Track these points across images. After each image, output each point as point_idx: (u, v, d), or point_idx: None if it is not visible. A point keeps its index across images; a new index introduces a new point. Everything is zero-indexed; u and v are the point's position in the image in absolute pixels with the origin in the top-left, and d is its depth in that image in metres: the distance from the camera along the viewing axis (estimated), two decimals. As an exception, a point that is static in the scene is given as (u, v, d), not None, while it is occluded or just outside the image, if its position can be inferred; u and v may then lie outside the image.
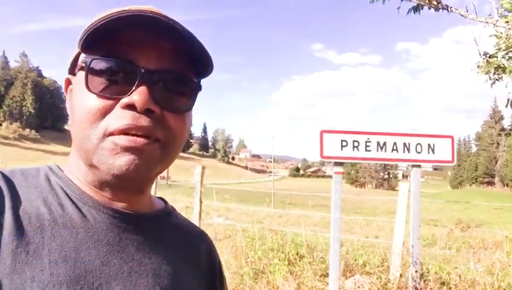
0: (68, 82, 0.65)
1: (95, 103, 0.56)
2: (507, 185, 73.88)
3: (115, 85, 0.56)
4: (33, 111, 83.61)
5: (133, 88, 0.55)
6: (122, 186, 0.60)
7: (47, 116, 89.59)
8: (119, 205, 0.62)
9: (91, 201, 0.60)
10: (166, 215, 0.73)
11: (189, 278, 0.68)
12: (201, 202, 5.83)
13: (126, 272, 0.58)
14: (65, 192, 0.60)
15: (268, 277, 4.69)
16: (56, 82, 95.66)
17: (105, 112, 0.56)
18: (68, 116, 0.64)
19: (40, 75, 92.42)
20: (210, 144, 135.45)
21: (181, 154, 0.69)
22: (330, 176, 3.86)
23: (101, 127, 0.55)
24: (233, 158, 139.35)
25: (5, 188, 0.56)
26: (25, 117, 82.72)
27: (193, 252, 0.74)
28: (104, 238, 0.58)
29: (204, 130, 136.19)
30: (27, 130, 79.84)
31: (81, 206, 0.59)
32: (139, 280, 0.59)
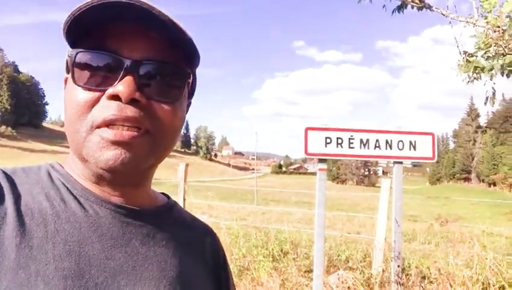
0: (66, 81, 0.64)
1: (82, 95, 0.56)
2: (483, 181, 75.92)
3: (101, 77, 0.56)
4: (9, 107, 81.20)
5: (118, 79, 0.55)
6: (116, 180, 0.60)
7: (24, 113, 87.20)
8: (119, 200, 0.62)
9: (92, 196, 0.60)
10: (169, 210, 0.73)
11: (194, 271, 0.68)
12: (184, 200, 5.79)
13: (131, 266, 0.58)
14: (67, 187, 0.60)
15: (252, 273, 4.71)
16: (33, 78, 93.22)
17: (91, 104, 0.56)
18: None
19: (16, 70, 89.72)
20: (192, 141, 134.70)
21: (172, 149, 0.69)
22: (312, 173, 3.92)
23: (88, 119, 0.56)
24: (215, 155, 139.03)
25: (6, 185, 0.56)
26: (0, 114, 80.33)
27: (197, 245, 0.74)
28: (107, 233, 0.58)
29: (186, 127, 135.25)
30: (3, 127, 77.54)
31: (83, 202, 0.59)
32: (144, 274, 0.59)
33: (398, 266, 3.67)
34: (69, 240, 0.54)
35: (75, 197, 0.59)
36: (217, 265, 0.77)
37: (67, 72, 0.63)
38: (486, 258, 3.83)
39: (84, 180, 0.61)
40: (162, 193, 0.78)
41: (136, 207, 0.63)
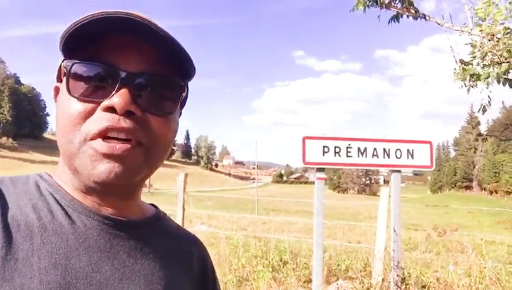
0: (57, 90, 0.64)
1: (76, 106, 0.56)
2: (484, 189, 75.56)
3: (96, 89, 0.56)
4: (10, 119, 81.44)
5: (114, 91, 0.55)
6: (107, 192, 0.60)
7: (25, 124, 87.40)
8: (109, 211, 0.62)
9: (81, 207, 0.60)
10: (158, 221, 0.73)
11: (181, 284, 0.68)
12: (184, 210, 5.78)
13: (117, 278, 0.58)
14: (55, 198, 0.60)
15: (252, 284, 4.68)
16: (34, 89, 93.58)
17: (86, 116, 0.56)
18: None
19: (17, 82, 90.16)
20: (193, 151, 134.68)
21: (163, 161, 0.69)
22: (313, 182, 3.89)
23: (82, 130, 0.55)
24: (216, 165, 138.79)
25: None
26: (1, 125, 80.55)
27: (185, 257, 0.73)
28: (94, 245, 0.58)
29: (187, 137, 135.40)
30: (4, 138, 77.65)
31: (71, 213, 0.59)
32: (131, 286, 0.59)
33: (398, 275, 3.65)
34: (55, 252, 0.53)
35: (63, 208, 0.58)
36: (205, 277, 0.77)
37: (58, 81, 0.64)
38: (485, 267, 3.81)
39: (74, 190, 0.61)
40: (151, 204, 0.78)
41: (125, 219, 0.63)
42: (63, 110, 0.58)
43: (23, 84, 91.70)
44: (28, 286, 0.49)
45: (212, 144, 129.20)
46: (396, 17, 3.50)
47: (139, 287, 0.60)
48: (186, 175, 5.99)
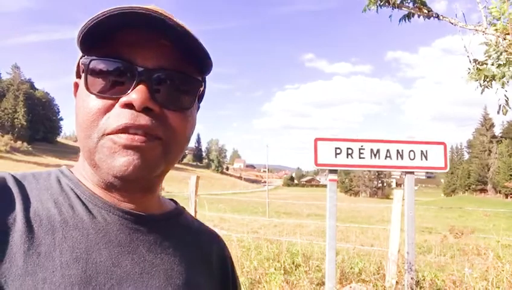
0: (76, 86, 0.64)
1: (95, 103, 0.56)
2: (499, 192, 74.24)
3: (114, 85, 0.56)
4: (25, 123, 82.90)
5: (132, 87, 0.55)
6: (126, 187, 0.60)
7: (39, 129, 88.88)
8: (129, 206, 0.62)
9: (101, 202, 0.60)
10: (177, 216, 0.73)
11: (200, 278, 0.68)
12: (195, 212, 5.80)
13: (137, 273, 0.58)
14: (76, 193, 0.60)
15: (264, 286, 4.66)
16: (48, 94, 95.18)
17: (104, 112, 0.56)
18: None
19: (32, 87, 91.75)
20: (204, 154, 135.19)
21: (181, 156, 0.69)
22: (324, 185, 3.87)
23: (100, 126, 0.56)
24: (227, 168, 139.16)
25: (16, 191, 0.56)
26: (16, 129, 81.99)
27: (204, 252, 0.73)
28: (115, 239, 0.58)
29: (198, 141, 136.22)
30: (19, 143, 78.94)
31: (92, 208, 0.59)
32: (150, 281, 0.59)
33: (412, 278, 3.60)
34: (76, 247, 0.54)
35: (84, 203, 0.59)
36: (225, 272, 0.77)
37: (77, 77, 0.64)
38: (503, 270, 3.73)
39: (94, 185, 0.62)
40: (171, 199, 0.78)
41: (144, 213, 0.63)
42: (82, 106, 0.58)
43: (37, 90, 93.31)
44: (50, 279, 0.49)
45: (223, 147, 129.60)
46: (408, 17, 3.47)
47: (158, 281, 0.60)
48: (198, 178, 6.01)
